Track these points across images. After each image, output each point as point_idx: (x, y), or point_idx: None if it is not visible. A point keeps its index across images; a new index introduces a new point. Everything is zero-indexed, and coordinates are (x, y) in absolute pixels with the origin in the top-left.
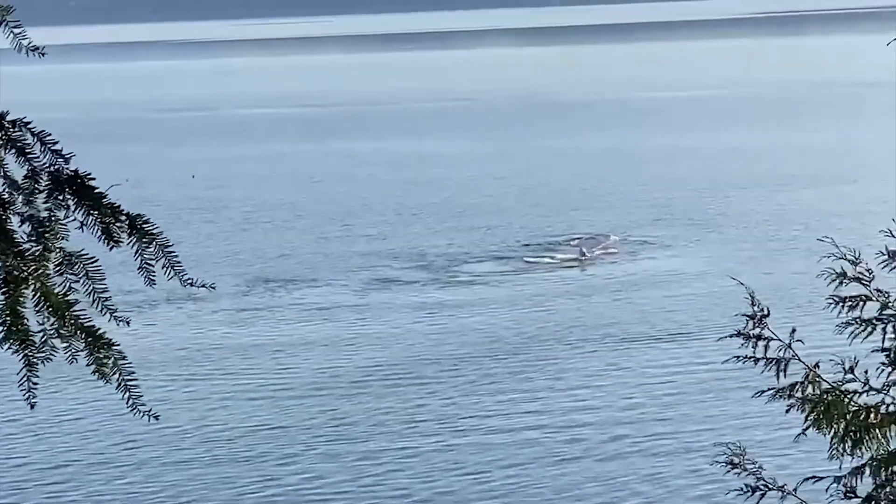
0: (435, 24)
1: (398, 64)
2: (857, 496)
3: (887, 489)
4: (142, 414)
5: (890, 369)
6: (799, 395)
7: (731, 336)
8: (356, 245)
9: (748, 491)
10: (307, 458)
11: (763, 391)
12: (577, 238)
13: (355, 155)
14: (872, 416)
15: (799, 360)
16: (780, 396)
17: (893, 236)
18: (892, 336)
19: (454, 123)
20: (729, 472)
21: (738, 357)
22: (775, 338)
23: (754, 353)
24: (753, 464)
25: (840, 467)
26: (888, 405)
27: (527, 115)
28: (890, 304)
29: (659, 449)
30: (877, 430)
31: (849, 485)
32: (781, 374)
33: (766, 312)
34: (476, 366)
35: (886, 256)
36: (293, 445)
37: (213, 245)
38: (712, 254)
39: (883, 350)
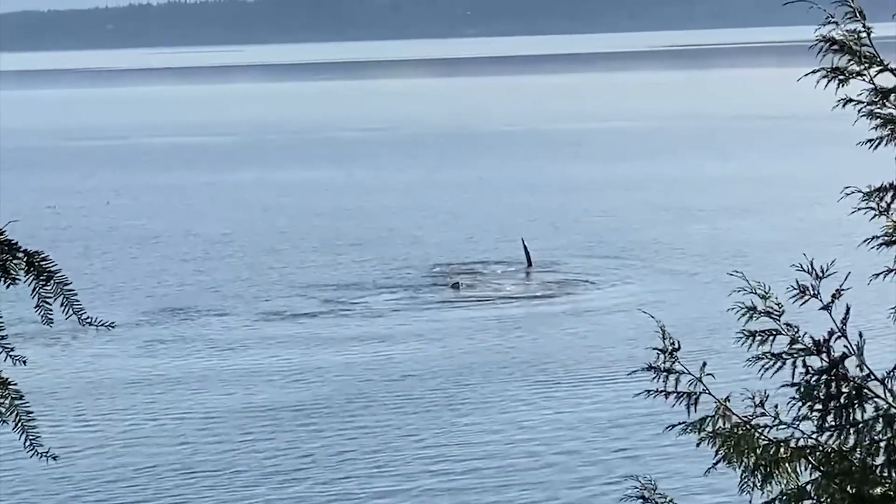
0: (348, 54)
1: (312, 93)
2: None
3: None
4: (40, 455)
5: (799, 404)
6: (709, 428)
7: (642, 370)
8: (273, 276)
9: None
10: (214, 499)
11: (673, 425)
12: (456, 268)
13: (274, 184)
14: (782, 450)
15: (709, 393)
16: (691, 430)
17: (804, 270)
18: (802, 371)
19: (373, 152)
20: None
21: (649, 391)
22: (685, 371)
23: (665, 386)
24: (664, 497)
25: (750, 501)
26: (797, 439)
27: (447, 145)
28: (799, 339)
29: (567, 483)
30: (786, 465)
31: None
32: (692, 407)
33: (676, 346)
34: (388, 402)
35: (796, 291)
36: (199, 485)
37: (126, 274)
38: (631, 286)
39: (792, 384)
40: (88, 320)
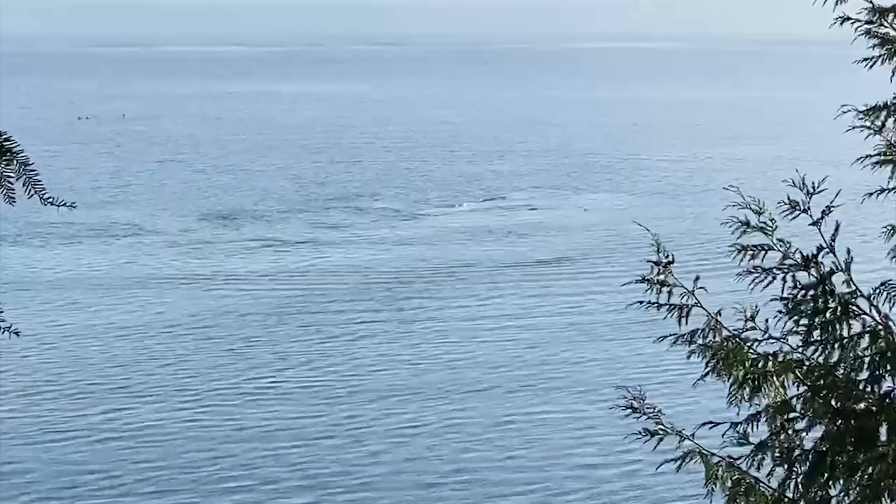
0: None
1: (327, 5)
2: (749, 443)
3: (781, 437)
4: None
5: (788, 318)
6: (700, 341)
7: (635, 282)
8: (284, 182)
9: (646, 435)
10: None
11: (664, 336)
12: None
13: (284, 96)
14: (771, 363)
15: (701, 307)
16: (682, 342)
17: (795, 185)
18: (791, 285)
19: (384, 68)
20: (628, 415)
21: (642, 302)
22: (678, 284)
23: (658, 298)
24: (652, 408)
25: (738, 414)
26: (786, 353)
27: (459, 62)
28: (790, 254)
29: (558, 390)
30: (774, 378)
31: (742, 431)
32: (683, 320)
33: (670, 259)
34: (374, 299)
35: (788, 206)
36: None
37: (142, 178)
38: (626, 201)
39: (782, 299)
40: (50, 200)
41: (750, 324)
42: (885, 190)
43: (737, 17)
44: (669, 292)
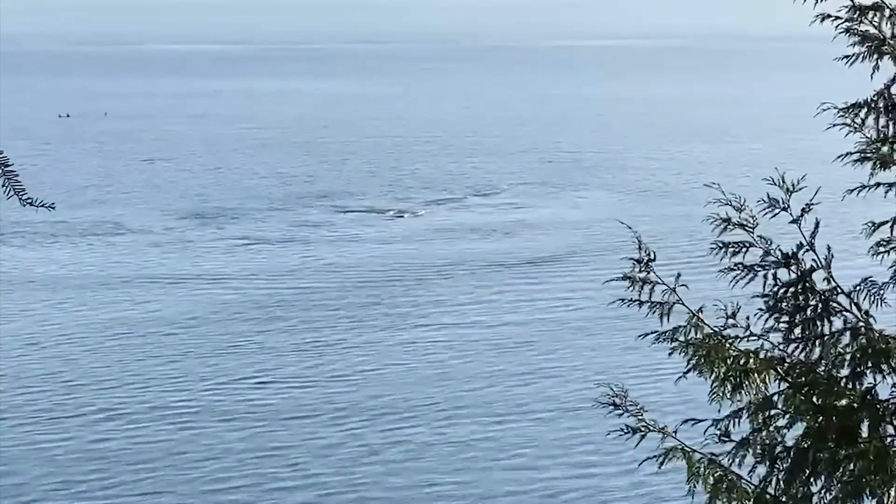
0: None
1: (328, 5)
2: (731, 440)
3: (763, 434)
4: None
5: (769, 315)
6: (681, 338)
7: (617, 279)
8: (267, 180)
9: (628, 431)
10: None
11: (646, 334)
12: None
13: (278, 93)
14: (752, 361)
15: (682, 304)
16: (663, 340)
17: (776, 184)
18: (773, 282)
19: (366, 65)
20: (610, 412)
21: (623, 300)
22: (660, 282)
23: (639, 296)
24: (635, 405)
25: (720, 411)
26: (767, 351)
27: (450, 60)
28: (771, 251)
29: (541, 389)
30: (755, 375)
31: (724, 428)
32: (665, 317)
33: (652, 257)
34: (360, 298)
35: (768, 204)
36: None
37: (127, 176)
38: (616, 199)
39: (763, 296)
40: (29, 200)
41: (731, 321)
42: (865, 187)
43: (737, 15)
44: (651, 290)
